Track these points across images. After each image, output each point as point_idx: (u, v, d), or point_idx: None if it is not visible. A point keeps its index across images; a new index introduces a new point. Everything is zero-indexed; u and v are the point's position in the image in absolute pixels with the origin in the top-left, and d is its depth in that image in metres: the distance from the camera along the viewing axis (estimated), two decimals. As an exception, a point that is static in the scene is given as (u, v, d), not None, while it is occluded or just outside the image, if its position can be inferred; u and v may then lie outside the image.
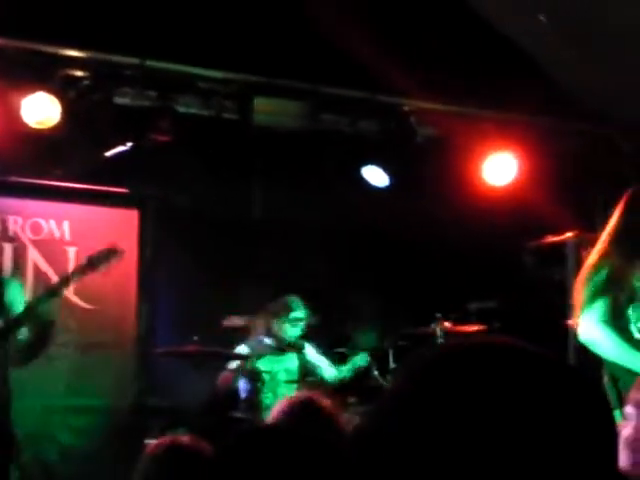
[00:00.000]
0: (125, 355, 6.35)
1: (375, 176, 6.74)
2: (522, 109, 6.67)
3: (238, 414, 5.76)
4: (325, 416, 3.07)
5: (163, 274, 6.47)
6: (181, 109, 6.20)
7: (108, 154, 6.15)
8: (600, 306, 3.93)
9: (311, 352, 6.04)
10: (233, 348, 6.07)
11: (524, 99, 6.32)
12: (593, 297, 3.99)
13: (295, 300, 6.05)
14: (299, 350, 5.92)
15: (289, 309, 5.99)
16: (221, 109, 6.36)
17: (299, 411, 3.09)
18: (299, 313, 5.99)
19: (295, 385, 5.88)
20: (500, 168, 6.68)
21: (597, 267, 4.02)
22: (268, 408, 5.60)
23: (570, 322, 4.16)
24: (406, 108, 6.80)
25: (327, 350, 6.20)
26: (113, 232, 6.15)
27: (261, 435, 1.68)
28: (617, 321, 3.96)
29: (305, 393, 4.00)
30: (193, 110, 6.28)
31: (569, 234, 6.67)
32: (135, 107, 6.12)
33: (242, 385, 5.91)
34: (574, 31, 6.36)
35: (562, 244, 6.71)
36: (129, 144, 6.12)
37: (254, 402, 5.61)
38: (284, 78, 6.45)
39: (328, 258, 6.84)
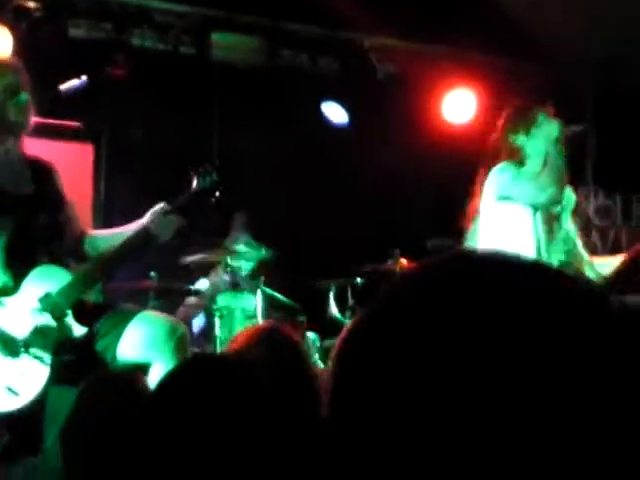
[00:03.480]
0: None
1: (334, 113, 6.69)
2: (480, 47, 6.63)
3: (192, 349, 5.76)
4: (290, 345, 3.06)
5: (118, 209, 6.40)
6: (137, 42, 6.11)
7: (62, 88, 6.04)
8: None
9: (266, 290, 6.00)
10: (192, 284, 6.06)
11: (482, 37, 6.28)
12: None
13: (246, 236, 6.02)
14: (253, 287, 5.90)
15: (241, 245, 5.96)
16: (178, 43, 6.27)
17: (264, 338, 3.06)
18: (250, 249, 5.96)
19: (253, 322, 5.87)
20: (459, 105, 6.66)
21: None
22: (223, 344, 5.60)
23: None
24: (366, 45, 6.74)
25: (285, 286, 6.18)
26: (67, 167, 6.05)
27: (201, 366, 1.65)
28: None
29: (269, 322, 4.01)
30: (149, 44, 6.18)
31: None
32: (90, 40, 6.00)
33: (197, 320, 5.90)
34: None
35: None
36: (83, 77, 6.00)
37: (208, 337, 5.61)
38: (243, 13, 6.35)
39: (287, 194, 6.81)
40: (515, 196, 4.22)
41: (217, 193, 4.03)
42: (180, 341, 3.64)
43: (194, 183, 3.98)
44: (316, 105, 6.70)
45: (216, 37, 6.30)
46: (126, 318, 3.67)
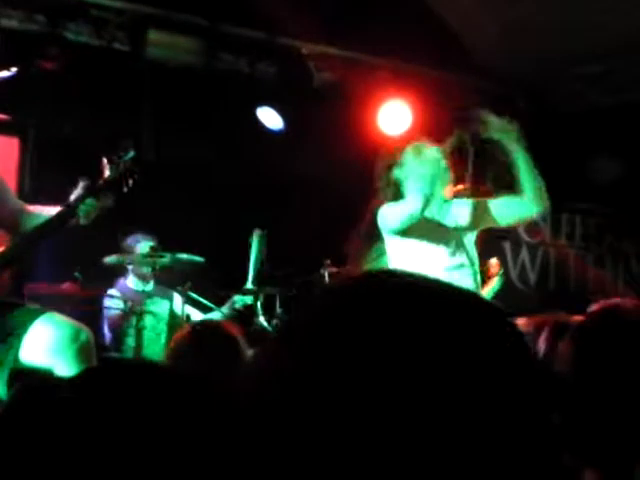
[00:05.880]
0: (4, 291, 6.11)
1: (270, 118, 6.63)
2: (417, 59, 6.65)
3: (110, 354, 5.65)
4: (230, 342, 3.02)
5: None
6: (71, 36, 5.97)
7: (-10, 79, 5.87)
8: None
9: (178, 300, 5.88)
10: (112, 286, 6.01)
11: (420, 50, 6.30)
12: None
13: (146, 238, 5.95)
14: (162, 292, 5.91)
15: (149, 249, 5.82)
16: (112, 39, 6.14)
17: (202, 336, 3.02)
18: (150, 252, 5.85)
19: (164, 330, 5.76)
20: (395, 116, 6.66)
21: None
22: (131, 349, 5.55)
23: None
24: (305, 51, 6.70)
25: (211, 291, 6.08)
26: (-9, 160, 5.90)
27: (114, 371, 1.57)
28: None
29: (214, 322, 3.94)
30: (83, 38, 6.04)
31: (460, 186, 6.71)
32: (22, 31, 5.84)
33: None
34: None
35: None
36: (13, 69, 5.84)
37: (120, 343, 5.59)
38: (182, 12, 6.25)
39: (218, 199, 6.72)
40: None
41: (131, 181, 3.94)
42: (83, 347, 3.54)
43: (107, 171, 3.89)
44: (251, 109, 6.63)
45: (153, 35, 6.19)
46: (31, 317, 3.58)
